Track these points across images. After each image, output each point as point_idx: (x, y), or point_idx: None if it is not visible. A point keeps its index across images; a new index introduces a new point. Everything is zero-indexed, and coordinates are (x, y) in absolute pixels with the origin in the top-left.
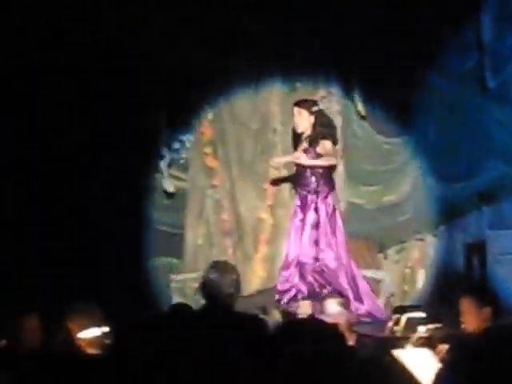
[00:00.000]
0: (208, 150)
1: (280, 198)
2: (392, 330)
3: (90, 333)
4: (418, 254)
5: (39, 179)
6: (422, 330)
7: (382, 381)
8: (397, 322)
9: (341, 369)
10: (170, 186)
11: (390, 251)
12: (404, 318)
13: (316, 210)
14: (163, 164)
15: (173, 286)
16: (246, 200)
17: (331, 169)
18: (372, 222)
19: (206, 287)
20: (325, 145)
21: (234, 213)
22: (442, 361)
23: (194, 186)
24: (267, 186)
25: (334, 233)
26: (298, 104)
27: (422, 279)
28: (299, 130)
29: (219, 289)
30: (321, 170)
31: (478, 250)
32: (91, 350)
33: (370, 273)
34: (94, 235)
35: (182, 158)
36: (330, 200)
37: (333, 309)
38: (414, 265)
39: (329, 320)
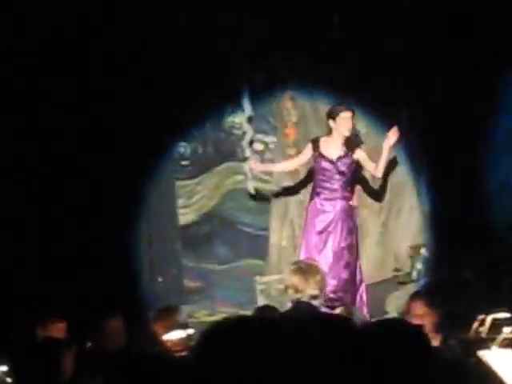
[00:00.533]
0: (292, 151)
1: (364, 199)
2: (477, 330)
3: (175, 335)
4: None
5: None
6: (507, 331)
7: (468, 382)
8: (482, 323)
9: (426, 370)
10: (253, 187)
11: None
12: (489, 318)
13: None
14: (247, 166)
15: (258, 287)
16: None
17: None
18: None
19: (289, 290)
20: (360, 152)
21: None
22: None
23: (278, 188)
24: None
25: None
26: (347, 108)
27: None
28: (349, 132)
29: (303, 291)
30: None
31: None
32: (177, 352)
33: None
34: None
35: (266, 160)
36: None
37: (420, 310)
38: None
39: (414, 321)
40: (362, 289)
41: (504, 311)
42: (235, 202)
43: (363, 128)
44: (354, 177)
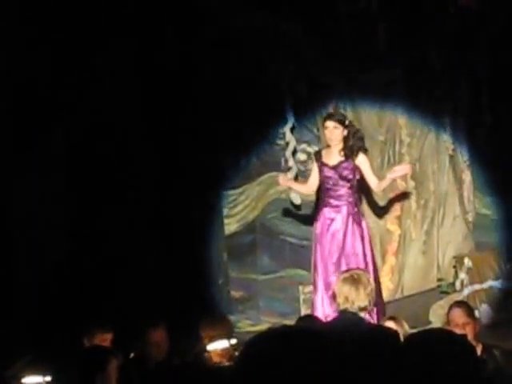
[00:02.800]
0: None
1: (407, 209)
2: None
3: (219, 345)
4: None
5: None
6: None
7: None
8: None
9: (472, 381)
10: (297, 198)
11: None
12: None
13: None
14: (290, 175)
15: (301, 297)
16: (373, 211)
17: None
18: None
19: (339, 299)
20: (363, 157)
21: None
22: None
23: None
24: (394, 196)
25: None
26: (331, 118)
27: None
28: (332, 143)
29: (354, 302)
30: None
31: None
32: (220, 362)
33: (497, 283)
34: None
35: (309, 170)
36: None
37: (460, 319)
38: None
39: (455, 330)
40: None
41: None
42: (278, 212)
43: (407, 137)
44: (360, 184)
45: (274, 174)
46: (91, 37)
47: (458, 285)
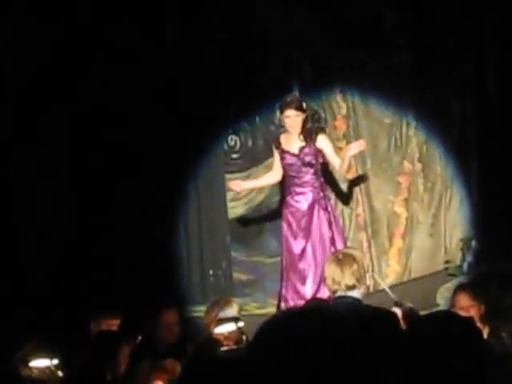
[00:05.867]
0: (341, 144)
1: (414, 192)
2: None
3: (226, 328)
4: None
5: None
6: None
7: None
8: None
9: (478, 364)
10: None
11: None
12: None
13: None
14: None
15: None
16: (380, 194)
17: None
18: None
19: (327, 281)
20: (323, 139)
21: (368, 207)
22: None
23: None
24: (401, 179)
25: None
26: (291, 106)
27: None
28: (294, 131)
29: (340, 282)
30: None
31: None
32: (228, 345)
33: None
34: None
35: None
36: None
37: (465, 302)
38: None
39: (460, 313)
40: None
41: None
42: None
43: (414, 120)
44: (324, 167)
45: None
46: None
47: (465, 267)
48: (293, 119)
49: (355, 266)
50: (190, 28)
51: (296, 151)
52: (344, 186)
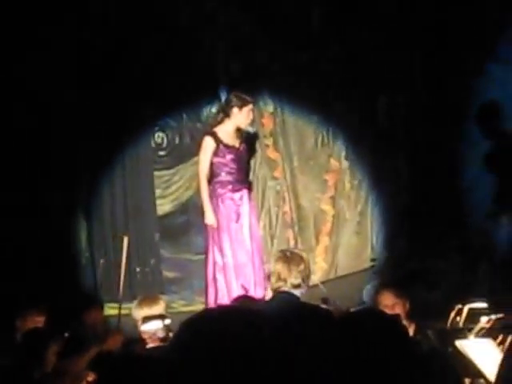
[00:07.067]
0: (268, 141)
1: (341, 189)
2: (454, 320)
3: (153, 325)
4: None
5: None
6: (484, 321)
7: (446, 371)
8: (459, 313)
9: (404, 361)
10: None
11: None
12: (466, 308)
13: None
14: None
15: None
16: (307, 192)
17: None
18: None
19: (272, 278)
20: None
21: (295, 204)
22: (505, 351)
23: (255, 178)
24: (328, 177)
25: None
26: (250, 101)
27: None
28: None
29: (286, 280)
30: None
31: None
32: (153, 342)
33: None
34: None
35: None
36: None
37: (389, 300)
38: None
39: (387, 311)
40: None
41: (481, 301)
42: None
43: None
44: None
45: None
46: None
47: (390, 265)
48: (250, 113)
49: (302, 266)
50: (115, 26)
51: (238, 146)
52: (271, 184)
